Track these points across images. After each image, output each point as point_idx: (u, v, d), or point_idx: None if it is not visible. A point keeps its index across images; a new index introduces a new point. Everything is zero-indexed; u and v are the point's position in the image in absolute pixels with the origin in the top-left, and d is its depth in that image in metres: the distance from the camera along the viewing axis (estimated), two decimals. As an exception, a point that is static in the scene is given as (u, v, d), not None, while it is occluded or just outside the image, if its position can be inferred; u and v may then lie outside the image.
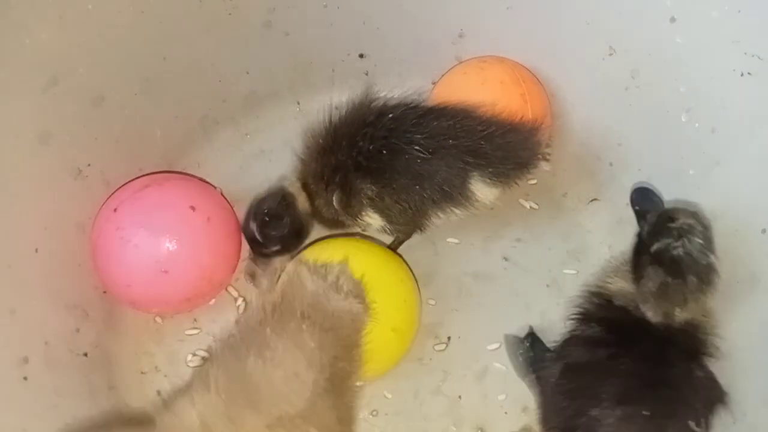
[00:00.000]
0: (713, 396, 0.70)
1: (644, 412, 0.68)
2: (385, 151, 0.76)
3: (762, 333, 0.73)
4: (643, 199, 0.81)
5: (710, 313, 0.72)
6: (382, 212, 0.79)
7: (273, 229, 0.80)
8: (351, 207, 0.79)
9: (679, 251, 0.70)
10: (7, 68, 0.71)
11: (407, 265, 0.86)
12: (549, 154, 0.82)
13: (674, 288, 0.70)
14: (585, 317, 0.76)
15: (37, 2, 0.71)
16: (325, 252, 0.80)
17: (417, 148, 0.75)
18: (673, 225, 0.72)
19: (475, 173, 0.77)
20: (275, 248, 0.82)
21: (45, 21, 0.72)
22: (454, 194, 0.78)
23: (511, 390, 0.85)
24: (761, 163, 0.75)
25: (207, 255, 0.81)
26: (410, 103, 0.79)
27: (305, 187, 0.82)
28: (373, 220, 0.80)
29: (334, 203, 0.79)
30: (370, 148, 0.76)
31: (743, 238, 0.76)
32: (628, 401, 0.68)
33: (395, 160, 0.76)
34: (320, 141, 0.79)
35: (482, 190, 0.78)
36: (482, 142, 0.77)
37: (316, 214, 0.83)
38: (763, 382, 0.72)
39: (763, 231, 0.74)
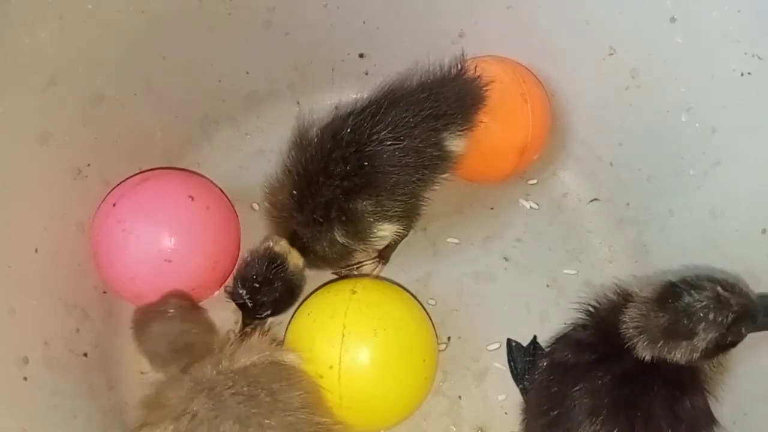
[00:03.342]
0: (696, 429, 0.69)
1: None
2: (366, 163, 0.75)
3: (762, 333, 0.73)
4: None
5: (722, 368, 0.71)
6: (388, 219, 0.78)
7: (264, 295, 0.78)
8: (359, 232, 0.78)
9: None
10: (7, 68, 0.70)
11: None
12: (492, 80, 0.83)
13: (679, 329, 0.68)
14: (588, 316, 0.75)
15: (37, 2, 0.71)
16: (332, 298, 0.78)
17: (389, 142, 0.76)
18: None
19: (445, 134, 0.79)
20: (267, 313, 0.80)
21: (45, 21, 0.72)
22: (437, 162, 0.80)
23: (511, 390, 0.85)
24: (761, 163, 0.75)
25: (209, 243, 0.82)
26: (355, 110, 0.79)
27: (293, 240, 0.80)
28: (385, 231, 0.79)
29: (340, 239, 0.78)
30: (348, 168, 0.75)
31: (743, 238, 0.77)
32: (598, 416, 0.68)
33: (377, 164, 0.76)
34: (294, 192, 0.77)
35: (457, 143, 0.81)
36: (436, 104, 0.79)
37: (316, 263, 0.82)
38: (763, 382, 0.73)
39: (763, 231, 0.74)
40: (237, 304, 0.80)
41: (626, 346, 0.70)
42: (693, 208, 0.83)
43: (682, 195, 0.84)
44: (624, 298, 0.74)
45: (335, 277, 0.89)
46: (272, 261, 0.78)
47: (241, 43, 0.89)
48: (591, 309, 0.76)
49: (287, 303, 0.82)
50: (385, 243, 0.83)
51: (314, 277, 0.87)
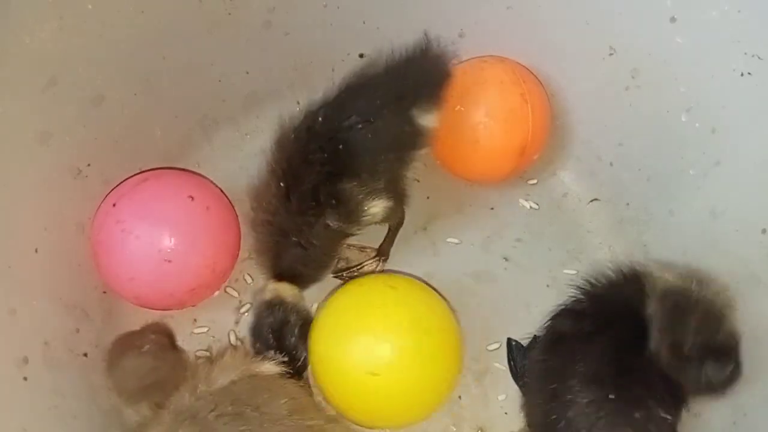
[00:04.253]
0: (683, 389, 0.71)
1: (610, 396, 0.69)
2: (341, 146, 0.77)
3: (762, 333, 0.73)
4: None
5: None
6: (376, 195, 0.80)
7: (289, 336, 0.79)
8: (351, 212, 0.79)
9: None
10: (7, 68, 0.70)
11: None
12: (458, 56, 0.85)
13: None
14: (584, 294, 0.77)
15: (37, 2, 0.71)
16: (369, 293, 0.79)
17: (360, 126, 0.77)
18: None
19: (414, 110, 0.80)
20: (304, 352, 0.80)
21: (45, 21, 0.72)
22: (412, 138, 0.80)
23: (511, 390, 0.85)
24: (761, 163, 0.75)
25: (209, 243, 0.82)
26: (323, 102, 0.80)
27: (280, 277, 0.81)
28: (376, 207, 0.80)
29: (333, 223, 0.79)
30: (326, 156, 0.76)
31: (743, 238, 0.77)
32: (596, 383, 0.70)
33: (352, 147, 0.77)
34: (281, 185, 0.78)
35: (427, 118, 0.81)
36: (401, 83, 0.79)
37: (309, 274, 0.83)
38: (763, 382, 0.72)
39: (763, 231, 0.74)
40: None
41: (620, 316, 0.72)
42: (693, 208, 0.83)
43: (682, 195, 0.84)
44: (624, 275, 0.76)
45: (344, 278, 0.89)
46: (271, 307, 0.80)
47: (241, 43, 0.89)
48: (588, 286, 0.77)
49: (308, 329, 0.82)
50: (377, 219, 0.83)
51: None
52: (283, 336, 0.79)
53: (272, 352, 0.79)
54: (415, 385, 0.76)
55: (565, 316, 0.77)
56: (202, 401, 0.70)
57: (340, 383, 0.77)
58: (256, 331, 0.81)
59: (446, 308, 0.82)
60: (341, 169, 0.77)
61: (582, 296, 0.77)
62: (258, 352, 0.79)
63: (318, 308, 0.84)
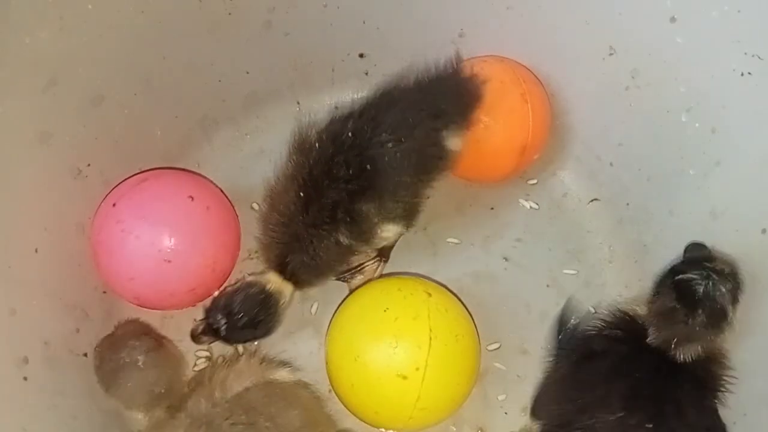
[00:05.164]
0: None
1: (647, 425, 0.68)
2: (368, 166, 0.75)
3: (762, 333, 0.73)
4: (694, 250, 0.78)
5: (723, 353, 0.72)
6: (392, 220, 0.79)
7: (242, 321, 0.77)
8: (363, 233, 0.78)
9: (700, 289, 0.69)
10: (7, 68, 0.70)
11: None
12: (489, 79, 0.83)
13: (679, 316, 0.70)
14: (609, 325, 0.76)
15: (37, 2, 0.71)
16: (410, 298, 0.78)
17: (390, 144, 0.76)
18: (707, 264, 0.71)
19: (444, 132, 0.79)
20: (237, 343, 0.80)
21: (45, 21, 0.72)
22: (438, 161, 0.80)
23: (511, 390, 0.85)
24: (761, 163, 0.75)
25: (209, 243, 0.82)
26: (354, 113, 0.79)
27: (282, 268, 0.79)
28: (389, 232, 0.80)
29: (344, 240, 0.78)
30: (351, 172, 0.75)
31: (743, 238, 0.77)
32: (632, 407, 0.69)
33: (379, 166, 0.76)
34: (301, 194, 0.76)
35: (455, 141, 0.81)
36: (435, 104, 0.79)
37: (310, 279, 0.81)
38: (763, 382, 0.73)
39: (763, 231, 0.74)
40: (208, 328, 0.78)
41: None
42: (693, 208, 0.83)
43: (682, 195, 0.84)
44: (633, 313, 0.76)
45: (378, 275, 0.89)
46: (265, 301, 0.78)
47: (241, 43, 0.89)
48: (609, 321, 0.77)
49: (263, 335, 0.81)
50: (388, 243, 0.83)
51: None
52: (240, 316, 0.77)
53: (218, 315, 0.77)
54: (441, 389, 0.77)
55: (602, 337, 0.76)
56: (218, 409, 0.71)
57: (364, 383, 0.76)
58: (231, 297, 0.78)
59: (467, 314, 0.83)
60: (364, 189, 0.76)
61: (613, 326, 0.76)
62: (210, 312, 0.78)
63: (344, 303, 0.83)
